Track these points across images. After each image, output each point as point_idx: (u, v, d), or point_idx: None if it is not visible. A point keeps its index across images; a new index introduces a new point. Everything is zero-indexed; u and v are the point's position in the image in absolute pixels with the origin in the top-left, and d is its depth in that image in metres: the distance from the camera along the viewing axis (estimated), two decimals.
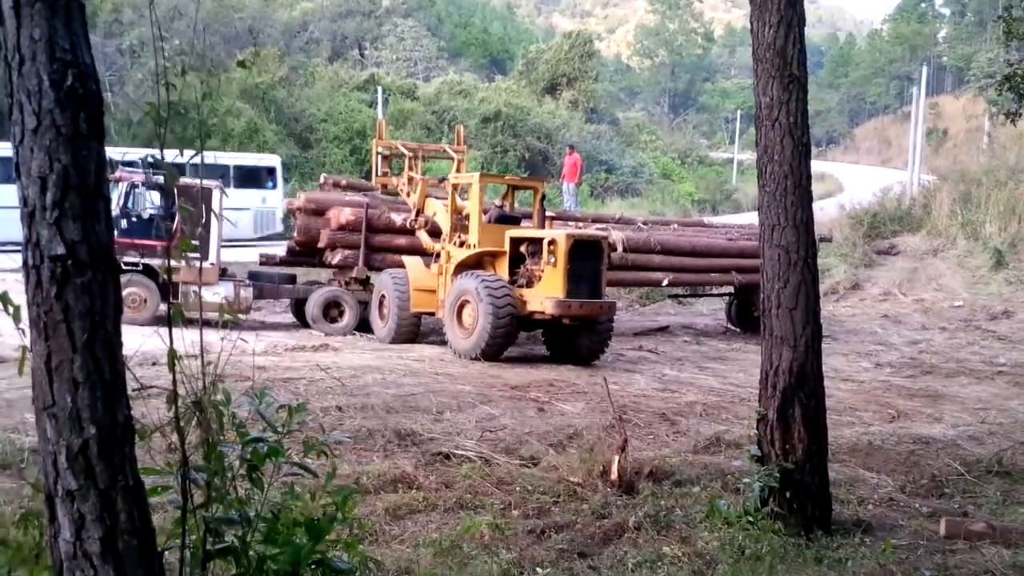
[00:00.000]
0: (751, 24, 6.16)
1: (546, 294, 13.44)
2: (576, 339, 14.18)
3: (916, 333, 19.65)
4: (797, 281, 5.98)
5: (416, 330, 15.81)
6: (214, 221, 14.90)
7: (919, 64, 54.41)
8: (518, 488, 6.66)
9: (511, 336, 13.80)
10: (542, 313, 13.51)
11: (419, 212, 16.35)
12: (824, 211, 26.78)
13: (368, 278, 17.13)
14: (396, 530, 5.72)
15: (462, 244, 14.78)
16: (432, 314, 15.40)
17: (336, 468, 3.40)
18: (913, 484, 7.56)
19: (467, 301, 13.80)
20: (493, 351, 13.58)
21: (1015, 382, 14.13)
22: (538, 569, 5.10)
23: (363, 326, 16.70)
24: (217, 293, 15.28)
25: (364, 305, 16.78)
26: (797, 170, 6.00)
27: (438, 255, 15.30)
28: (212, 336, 3.26)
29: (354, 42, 58.19)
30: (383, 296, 15.97)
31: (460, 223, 15.14)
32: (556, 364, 13.98)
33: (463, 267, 14.48)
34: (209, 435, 3.22)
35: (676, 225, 20.95)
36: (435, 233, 15.89)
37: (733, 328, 20.53)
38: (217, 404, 3.22)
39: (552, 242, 13.57)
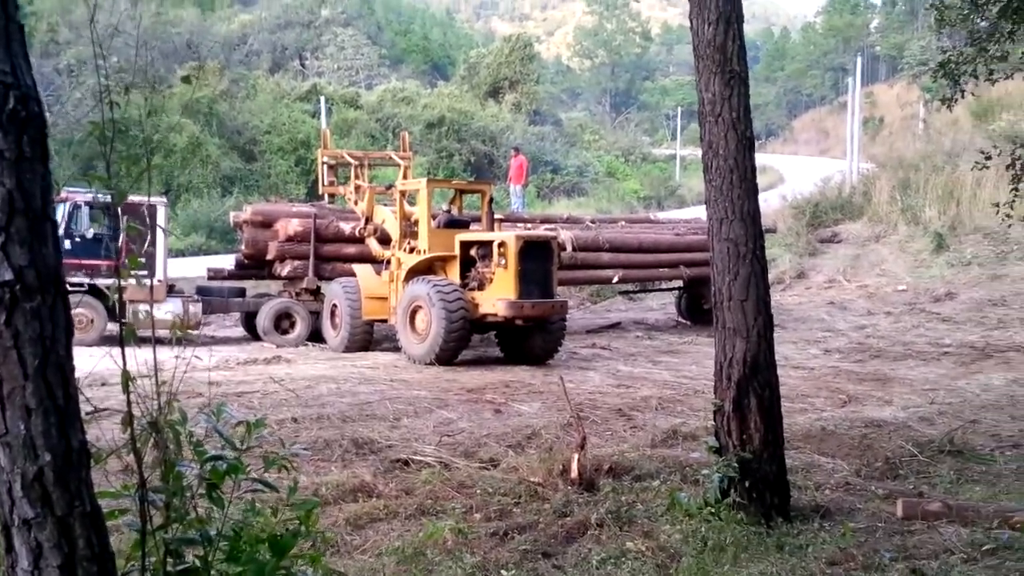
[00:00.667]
0: (691, 22, 6.23)
1: (498, 296, 13.47)
2: (529, 340, 14.23)
3: (862, 318, 20.02)
4: (747, 273, 6.06)
5: (369, 338, 15.73)
6: (160, 237, 14.69)
7: (853, 55, 55.43)
8: (479, 491, 6.65)
9: (464, 340, 13.81)
10: (495, 315, 13.54)
11: (368, 220, 16.29)
12: (767, 203, 27.07)
13: (319, 288, 17.01)
14: (358, 540, 5.67)
15: (412, 250, 14.74)
16: (384, 321, 15.34)
17: (298, 482, 3.36)
18: (868, 467, 7.69)
19: (420, 307, 13.79)
20: (447, 355, 13.58)
21: (961, 362, 14.46)
22: (503, 571, 5.10)
23: (315, 336, 16.59)
24: (167, 311, 15.06)
25: (315, 315, 16.67)
26: (742, 164, 6.08)
27: (389, 262, 15.26)
28: (164, 354, 3.21)
29: (294, 53, 57.72)
30: (335, 305, 15.87)
31: (409, 229, 15.11)
32: (511, 365, 14.02)
33: (414, 273, 14.44)
34: (166, 455, 3.17)
35: (623, 222, 21.11)
36: (385, 240, 15.84)
37: (683, 321, 20.75)
38: (173, 423, 3.18)
39: (502, 244, 13.61)
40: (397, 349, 14.85)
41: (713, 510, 5.76)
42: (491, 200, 15.40)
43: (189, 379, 3.33)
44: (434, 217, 14.97)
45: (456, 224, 15.11)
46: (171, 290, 16.30)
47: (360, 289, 15.34)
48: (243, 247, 17.47)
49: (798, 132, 75.01)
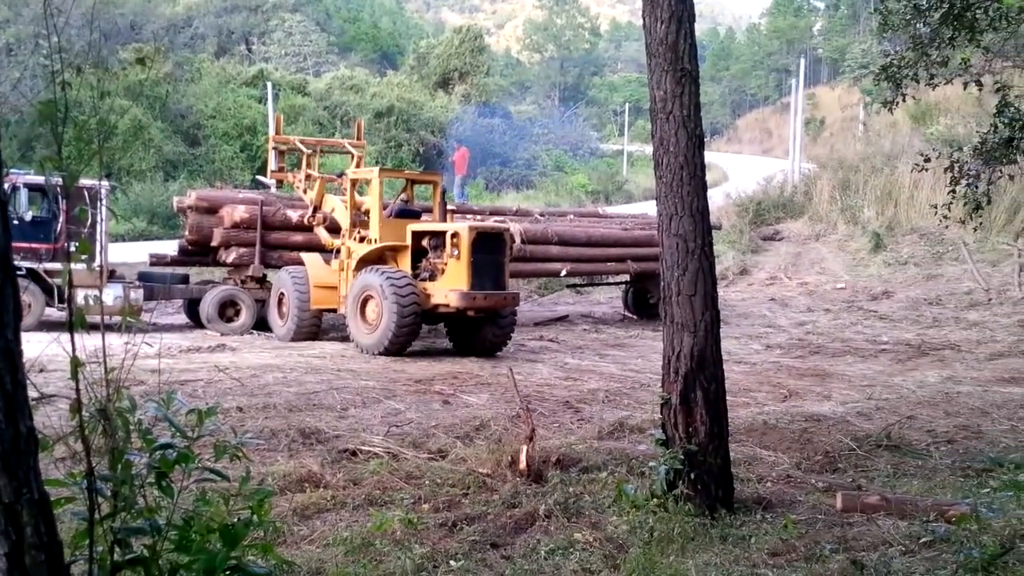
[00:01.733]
0: (644, 20, 6.27)
1: (450, 287, 13.45)
2: (480, 331, 14.22)
3: (802, 315, 20.39)
4: (695, 268, 6.13)
5: (317, 328, 15.60)
6: (100, 221, 14.41)
7: (796, 57, 56.28)
8: (427, 482, 6.65)
9: (416, 331, 13.75)
10: (447, 306, 13.50)
11: (316, 209, 16.13)
12: (712, 200, 27.27)
13: (265, 276, 16.83)
14: (305, 530, 5.64)
15: (363, 239, 14.64)
16: (333, 311, 15.22)
17: (250, 471, 3.34)
18: (808, 460, 7.85)
19: (370, 296, 13.70)
20: (398, 346, 13.52)
21: (898, 359, 14.81)
22: (452, 562, 5.11)
23: (261, 325, 16.41)
24: (117, 297, 14.79)
25: (261, 304, 16.50)
26: (692, 161, 6.15)
27: (338, 251, 15.14)
28: (109, 340, 3.16)
29: (241, 37, 56.89)
30: (282, 294, 15.69)
31: (359, 219, 15.01)
32: (459, 357, 14.03)
33: (365, 262, 14.34)
34: (115, 443, 3.12)
35: (572, 216, 21.23)
36: (334, 229, 15.71)
37: (630, 315, 20.92)
38: (122, 411, 3.13)
39: (455, 235, 13.57)
40: (344, 339, 14.77)
41: (659, 501, 5.83)
42: (444, 191, 15.34)
43: (131, 367, 3.28)
44: (385, 207, 14.87)
45: (408, 214, 15.02)
46: (112, 276, 15.99)
47: (309, 278, 15.16)
48: (187, 233, 17.19)
49: (742, 131, 75.95)
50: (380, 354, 13.47)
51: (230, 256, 16.51)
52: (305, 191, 16.54)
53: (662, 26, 6.13)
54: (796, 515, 6.11)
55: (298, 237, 16.84)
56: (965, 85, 11.06)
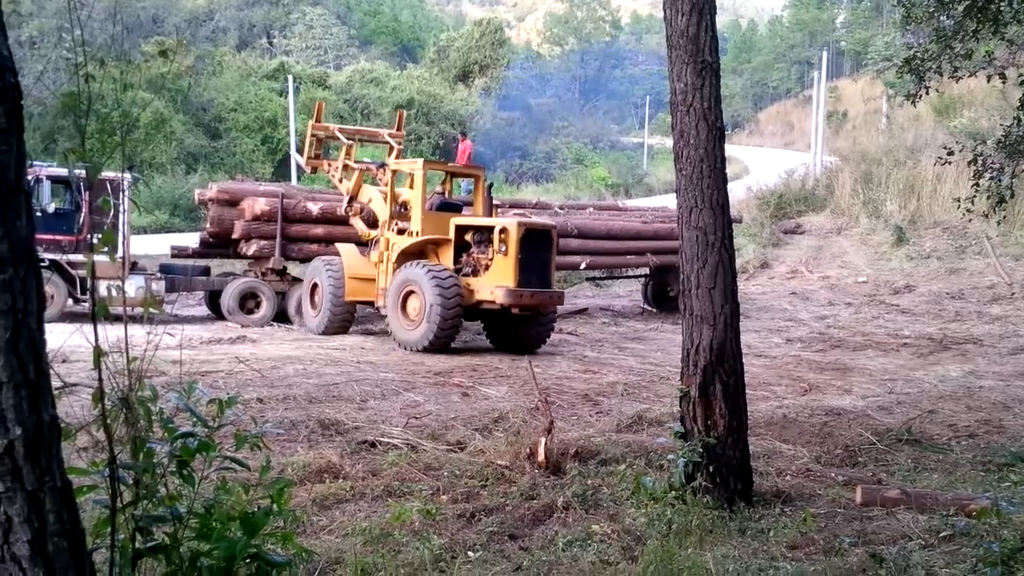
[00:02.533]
0: (664, 12, 6.25)
1: (496, 283, 13.17)
2: (521, 328, 13.92)
3: (823, 309, 20.29)
4: (715, 261, 6.12)
5: (351, 320, 15.43)
6: (124, 214, 14.52)
7: (819, 49, 55.93)
8: (446, 473, 6.68)
9: (459, 327, 13.49)
10: (492, 303, 13.20)
11: (353, 199, 15.78)
12: (733, 193, 27.15)
13: (285, 268, 16.90)
14: (324, 520, 5.68)
15: (401, 232, 14.36)
16: (370, 303, 14.92)
17: (270, 460, 3.37)
18: (828, 454, 7.83)
19: (413, 291, 13.41)
20: (442, 342, 13.21)
21: (919, 353, 14.71)
22: (470, 553, 5.13)
23: (281, 317, 16.49)
24: (139, 288, 14.90)
25: (281, 296, 16.58)
26: (712, 154, 6.13)
27: (375, 242, 14.88)
28: (130, 331, 3.19)
29: (262, 31, 57.03)
30: (315, 284, 15.44)
31: (398, 210, 14.72)
32: (480, 349, 14.01)
33: (406, 256, 14.04)
34: (136, 432, 3.16)
35: (592, 209, 21.18)
36: (371, 221, 15.45)
37: (649, 309, 20.88)
38: (144, 400, 3.16)
39: (503, 231, 13.28)
40: (367, 332, 14.78)
41: (678, 494, 5.83)
42: (490, 185, 15.04)
43: (151, 358, 3.31)
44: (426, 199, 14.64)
45: (449, 207, 14.75)
46: (134, 267, 16.11)
47: (344, 269, 14.86)
48: (208, 225, 17.29)
49: (764, 124, 75.50)
50: (422, 351, 13.17)
51: (251, 248, 16.59)
52: (341, 180, 16.24)
53: (683, 18, 6.11)
54: (815, 508, 6.09)
55: (319, 230, 16.90)
56: (989, 78, 10.96)
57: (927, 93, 10.90)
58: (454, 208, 14.86)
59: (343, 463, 6.86)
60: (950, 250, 23.80)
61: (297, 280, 17.19)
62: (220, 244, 17.48)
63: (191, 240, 18.98)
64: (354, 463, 6.94)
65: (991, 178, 10.52)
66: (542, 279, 13.55)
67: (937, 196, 24.97)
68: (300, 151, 19.41)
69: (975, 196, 10.75)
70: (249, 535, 3.13)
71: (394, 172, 14.95)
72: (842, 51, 78.59)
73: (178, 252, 18.00)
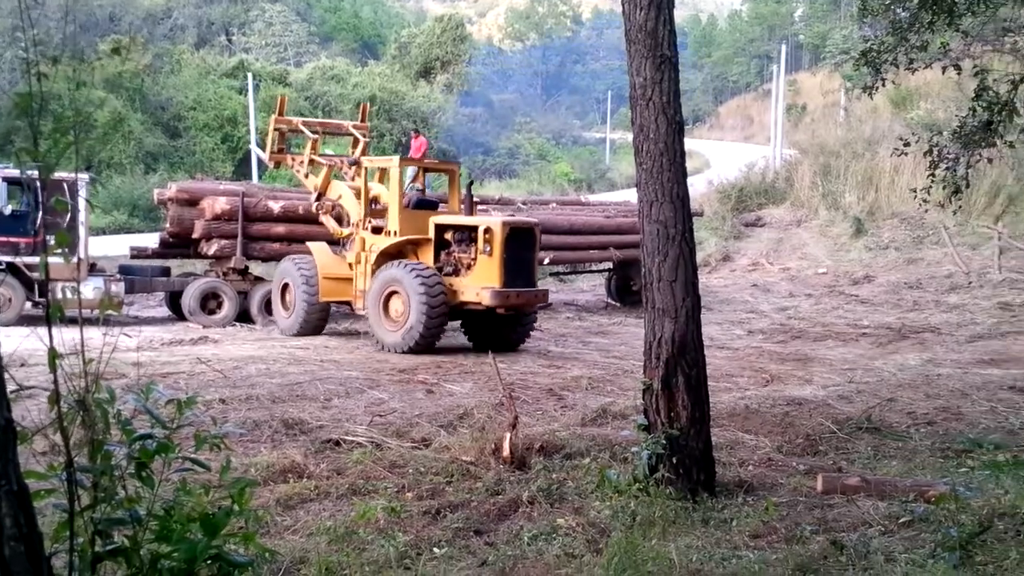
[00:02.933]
0: (623, 6, 6.28)
1: (482, 284, 12.89)
2: (502, 328, 13.68)
3: (784, 300, 20.51)
4: (676, 255, 6.16)
5: (325, 320, 15.10)
6: (81, 215, 14.32)
7: (777, 43, 56.39)
8: (411, 471, 6.67)
9: (443, 328, 13.22)
10: (478, 304, 12.94)
11: (321, 195, 15.34)
12: (694, 187, 27.37)
13: (247, 268, 16.75)
14: (288, 520, 5.65)
15: (378, 230, 13.99)
16: (346, 303, 14.61)
17: (230, 460, 3.34)
18: (789, 444, 7.92)
19: (396, 292, 13.08)
20: (427, 343, 12.92)
21: (878, 343, 14.92)
22: (435, 549, 5.13)
23: (243, 317, 16.34)
24: (97, 289, 14.69)
25: (243, 295, 16.43)
26: (672, 147, 6.17)
27: (348, 241, 14.58)
28: (88, 333, 3.15)
29: (221, 28, 56.39)
30: (287, 285, 15.02)
31: (371, 208, 14.37)
32: (445, 348, 13.96)
33: (385, 256, 13.67)
34: (94, 434, 3.12)
35: (555, 204, 21.25)
36: (340, 219, 15.06)
37: (613, 303, 20.97)
38: (101, 402, 3.13)
39: (488, 230, 12.96)
40: (330, 330, 14.68)
41: (642, 486, 5.87)
42: (470, 183, 14.72)
43: (113, 360, 3.28)
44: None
45: (426, 205, 14.42)
46: (92, 269, 15.89)
47: (317, 268, 14.45)
48: (168, 225, 17.09)
49: (724, 118, 76.03)
50: (406, 352, 12.86)
51: (211, 248, 16.42)
52: (307, 176, 15.80)
53: (641, 12, 6.14)
54: (777, 498, 6.17)
55: (280, 228, 16.77)
56: (944, 69, 11.12)
57: (883, 85, 11.04)
58: (431, 205, 14.54)
59: (307, 462, 6.82)
60: (908, 240, 24.16)
61: (260, 279, 17.05)
62: (180, 244, 17.30)
63: (151, 240, 18.76)
64: (318, 462, 6.91)
65: (946, 168, 10.67)
66: (527, 278, 13.32)
67: (895, 187, 25.32)
68: (262, 147, 19.09)
69: (931, 186, 10.91)
70: (210, 536, 3.11)
71: (366, 168, 14.59)
72: (801, 45, 79.30)
73: (137, 253, 17.78)
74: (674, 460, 6.00)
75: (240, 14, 56.72)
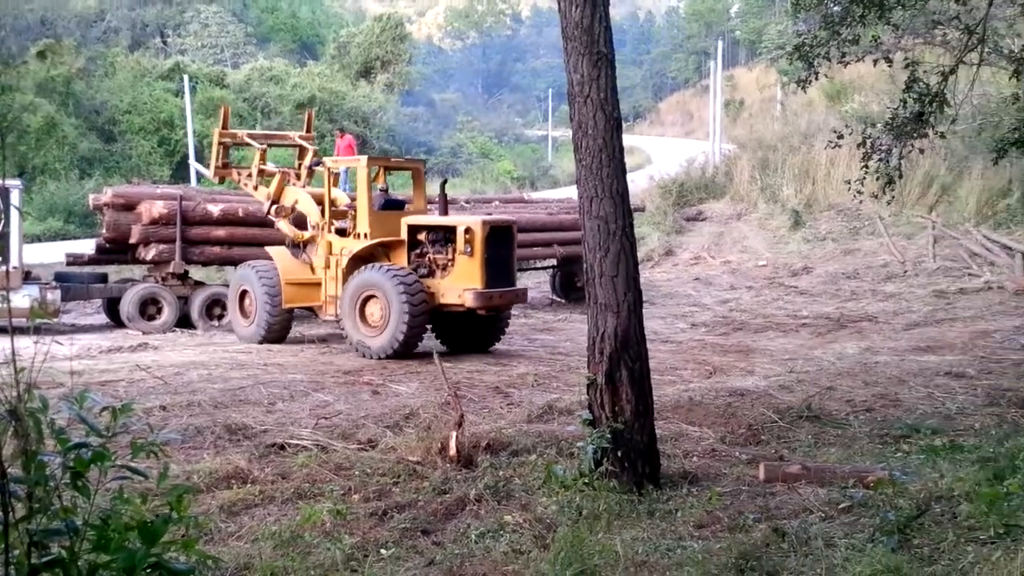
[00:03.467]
0: (559, 3, 6.32)
1: (464, 285, 12.53)
2: (477, 329, 13.43)
3: (726, 293, 20.77)
4: (617, 250, 6.21)
5: (288, 327, 14.54)
6: (15, 221, 13.99)
7: (714, 39, 57.07)
8: (357, 472, 6.64)
9: (424, 330, 12.88)
10: (460, 306, 12.58)
11: (275, 203, 14.73)
12: (635, 183, 27.76)
13: (187, 272, 16.49)
14: (233, 527, 5.59)
15: (341, 232, 13.58)
16: (308, 309, 14.20)
17: (168, 467, 3.29)
18: (732, 434, 8.04)
19: (373, 296, 12.68)
20: (409, 348, 12.59)
21: (817, 333, 15.19)
22: (382, 550, 5.12)
23: (184, 322, 16.09)
24: (28, 296, 14.33)
25: (183, 300, 16.16)
26: (610, 143, 6.22)
27: (309, 245, 14.16)
28: (21, 343, 3.09)
29: (155, 30, 55.40)
30: (245, 291, 14.40)
31: (334, 210, 13.90)
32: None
33: (357, 259, 13.24)
34: (27, 444, 3.05)
35: (497, 202, 21.23)
36: (298, 223, 14.60)
37: (558, 299, 21.04)
38: (34, 412, 3.06)
39: (468, 230, 12.58)
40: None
41: (587, 480, 5.92)
42: (444, 182, 14.39)
43: (49, 369, 3.21)
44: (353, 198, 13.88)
45: (393, 205, 14.02)
46: (27, 277, 15.51)
47: (279, 274, 13.91)
48: (104, 231, 16.75)
49: (664, 114, 76.70)
50: (388, 357, 12.42)
51: (149, 253, 16.13)
52: (256, 187, 15.25)
53: (577, 9, 6.18)
54: (721, 487, 6.25)
55: (220, 232, 16.53)
56: (876, 62, 11.37)
57: (816, 79, 11.26)
58: (398, 206, 14.12)
59: (251, 467, 6.76)
60: (844, 231, 24.62)
61: (200, 284, 16.80)
62: (117, 250, 16.96)
63: (87, 247, 18.35)
64: (263, 467, 6.84)
65: (879, 160, 10.91)
66: (507, 278, 13.02)
67: (831, 180, 25.76)
68: (202, 161, 18.54)
69: (865, 178, 11.14)
70: (149, 544, 3.05)
71: (329, 169, 14.18)
72: (737, 41, 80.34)
73: (74, 260, 17.39)
74: (619, 454, 6.06)
75: (175, 15, 55.82)
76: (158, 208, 15.93)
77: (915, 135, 10.98)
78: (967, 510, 5.21)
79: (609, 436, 6.03)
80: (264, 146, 15.60)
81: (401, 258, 13.18)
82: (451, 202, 19.39)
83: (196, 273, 17.38)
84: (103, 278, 17.00)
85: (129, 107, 37.81)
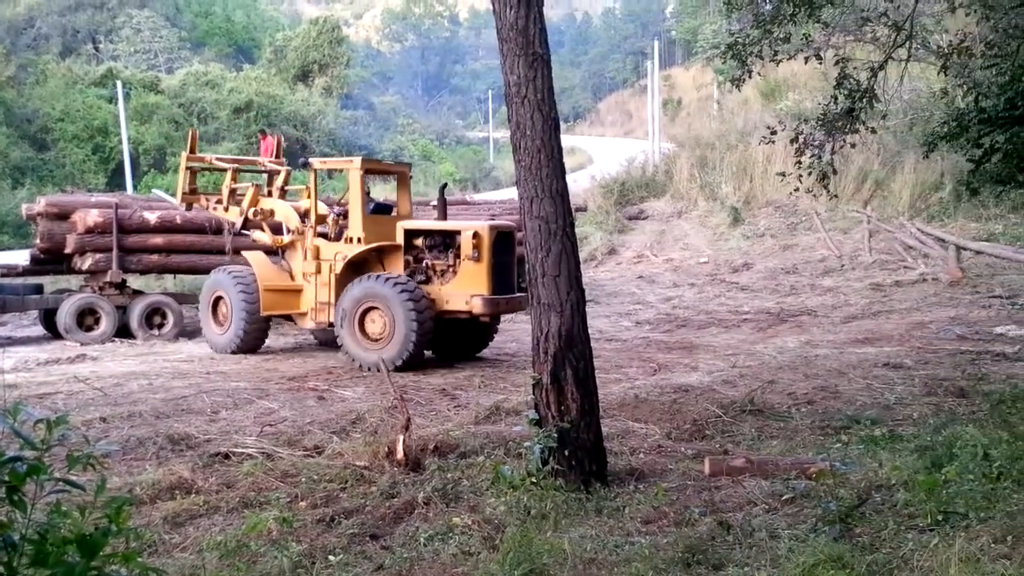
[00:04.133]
0: (493, 5, 6.33)
1: (470, 291, 12.16)
2: (469, 336, 13.17)
3: (669, 290, 20.97)
4: (558, 250, 6.24)
5: (265, 335, 14.04)
6: None
7: (651, 39, 57.61)
8: (304, 479, 6.57)
9: (430, 337, 12.44)
10: (467, 312, 12.21)
11: (248, 220, 14.22)
12: (577, 183, 27.96)
13: (124, 281, 16.19)
14: (177, 538, 5.50)
15: (339, 237, 13.05)
16: (287, 317, 13.72)
17: (105, 479, 3.23)
18: (678, 430, 8.11)
19: (374, 307, 12.15)
20: (418, 358, 12.17)
21: (759, 328, 15.41)
22: (330, 557, 5.07)
23: (123, 332, 15.79)
24: None
25: (122, 310, 15.87)
26: (549, 144, 6.24)
27: (283, 250, 13.74)
28: None
29: (87, 36, 54.33)
30: (219, 298, 13.83)
31: (319, 215, 13.45)
32: (331, 351, 13.75)
33: (351, 265, 12.78)
34: None
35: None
36: (276, 229, 14.01)
37: None
38: None
39: (476, 235, 12.21)
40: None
41: (535, 480, 5.93)
42: (444, 186, 14.05)
43: None
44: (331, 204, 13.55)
45: (382, 209, 13.50)
46: None
47: (257, 280, 13.36)
48: (38, 241, 16.39)
49: (604, 114, 77.16)
50: (399, 369, 11.80)
51: (86, 263, 15.83)
52: (227, 208, 14.55)
53: (511, 11, 6.20)
54: (667, 483, 6.32)
55: (158, 239, 16.27)
56: (807, 60, 11.58)
57: (751, 77, 11.42)
58: (386, 210, 13.64)
59: (195, 478, 6.66)
60: (782, 227, 25.02)
61: (139, 293, 16.52)
62: (53, 260, 16.62)
63: (21, 257, 17.92)
64: (207, 477, 6.74)
65: (812, 156, 11.11)
66: (510, 283, 12.65)
67: (768, 176, 26.15)
68: (164, 189, 17.84)
69: (800, 173, 11.34)
70: (88, 558, 2.99)
71: (316, 171, 13.55)
72: (673, 40, 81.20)
73: (7, 271, 16.98)
74: (566, 452, 6.08)
75: (106, 21, 54.78)
76: (93, 217, 15.64)
77: (847, 130, 11.20)
78: (906, 498, 5.33)
79: (556, 435, 6.05)
80: (234, 167, 15.13)
81: (396, 264, 12.77)
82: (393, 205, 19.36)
83: (134, 282, 17.10)
84: (39, 289, 16.62)
85: (62, 115, 37.06)
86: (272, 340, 14.39)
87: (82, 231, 15.66)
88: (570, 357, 6.25)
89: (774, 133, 11.40)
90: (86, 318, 15.78)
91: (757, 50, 10.93)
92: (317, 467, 6.87)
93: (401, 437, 6.83)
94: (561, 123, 6.63)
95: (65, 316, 15.58)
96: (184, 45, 56.60)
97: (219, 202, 14.75)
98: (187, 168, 15.16)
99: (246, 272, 13.62)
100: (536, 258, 6.28)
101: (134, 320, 15.85)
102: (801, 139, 11.03)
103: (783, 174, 11.72)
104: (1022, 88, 9.66)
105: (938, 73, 12.50)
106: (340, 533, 5.46)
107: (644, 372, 11.54)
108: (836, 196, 15.12)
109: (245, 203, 14.21)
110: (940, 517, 4.96)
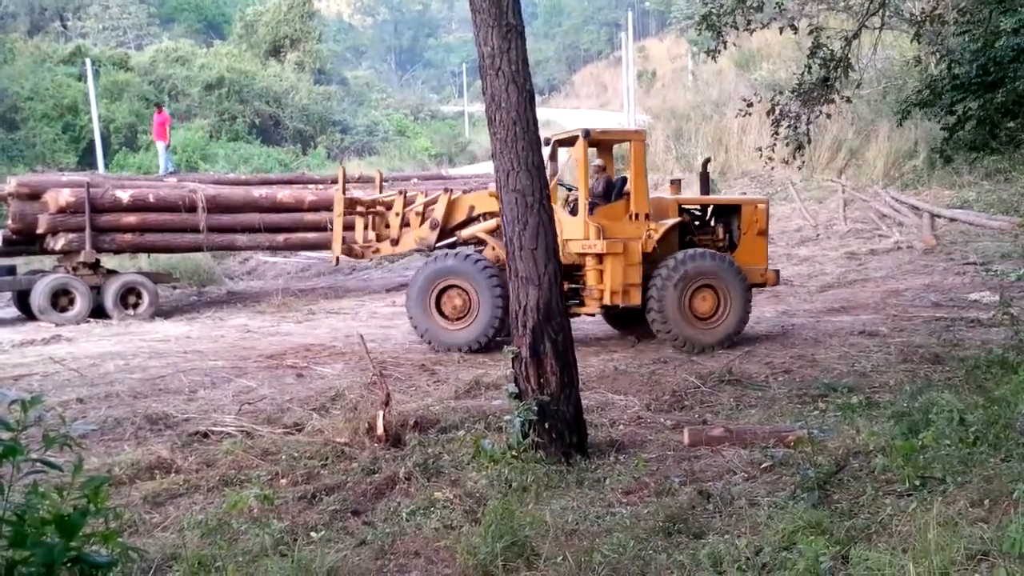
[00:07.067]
0: None
1: (756, 266, 11.70)
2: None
3: None
4: (535, 223, 6.22)
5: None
6: None
7: (625, 10, 57.31)
8: (284, 457, 6.55)
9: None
10: (763, 284, 11.88)
11: (442, 226, 12.72)
12: None
13: (98, 261, 16.03)
14: (157, 517, 5.49)
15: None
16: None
17: (83, 459, 3.20)
18: (657, 401, 8.16)
19: (708, 285, 11.18)
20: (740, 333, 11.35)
21: None
22: (312, 533, 5.07)
23: (98, 312, 15.66)
24: None
25: (96, 290, 15.72)
26: (524, 116, 6.21)
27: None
28: None
29: (55, 13, 53.42)
30: (447, 287, 11.75)
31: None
32: (313, 330, 13.70)
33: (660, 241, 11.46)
34: None
35: (416, 180, 21.10)
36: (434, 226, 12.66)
37: None
38: None
39: (757, 207, 11.88)
40: (192, 319, 14.17)
41: (516, 453, 5.95)
42: (707, 160, 13.27)
43: None
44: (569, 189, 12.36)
45: (623, 185, 12.12)
46: None
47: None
48: (9, 222, 16.20)
49: (579, 86, 76.80)
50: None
51: (58, 243, 15.67)
52: (399, 240, 12.94)
53: None
54: (647, 453, 6.36)
55: (131, 218, 16.11)
56: (781, 30, 11.56)
57: (725, 47, 11.39)
58: (623, 185, 12.12)
59: (174, 457, 6.63)
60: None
61: (113, 272, 16.37)
62: (25, 241, 16.45)
63: None
64: (186, 456, 6.71)
65: (788, 126, 11.12)
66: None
67: (743, 147, 26.16)
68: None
69: (775, 144, 11.35)
70: (67, 538, 2.98)
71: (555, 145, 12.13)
72: (647, 11, 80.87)
73: None
74: (546, 425, 6.10)
75: None
76: (65, 196, 15.47)
77: (822, 100, 11.22)
78: (883, 464, 5.38)
79: (536, 408, 6.06)
80: (400, 193, 13.31)
81: (675, 239, 11.77)
82: (368, 180, 19.27)
83: (108, 262, 16.93)
84: (11, 270, 16.44)
85: (31, 93, 36.47)
86: (248, 318, 14.33)
87: (54, 211, 15.49)
88: (549, 330, 6.25)
89: (750, 105, 11.39)
90: (60, 299, 15.64)
91: (731, 20, 10.89)
92: (297, 444, 6.85)
93: (381, 413, 6.82)
94: (536, 96, 6.60)
95: (39, 297, 15.43)
96: (153, 21, 55.80)
97: (405, 225, 12.87)
98: (358, 212, 13.09)
99: (490, 258, 11.76)
100: (513, 231, 6.26)
101: (109, 300, 15.72)
102: (777, 110, 11.03)
103: (760, 149, 11.71)
104: (994, 55, 9.70)
105: (911, 41, 12.53)
106: (322, 510, 5.46)
107: (623, 344, 11.56)
108: (805, 164, 15.04)
109: (438, 212, 12.63)
110: (917, 482, 5.01)
